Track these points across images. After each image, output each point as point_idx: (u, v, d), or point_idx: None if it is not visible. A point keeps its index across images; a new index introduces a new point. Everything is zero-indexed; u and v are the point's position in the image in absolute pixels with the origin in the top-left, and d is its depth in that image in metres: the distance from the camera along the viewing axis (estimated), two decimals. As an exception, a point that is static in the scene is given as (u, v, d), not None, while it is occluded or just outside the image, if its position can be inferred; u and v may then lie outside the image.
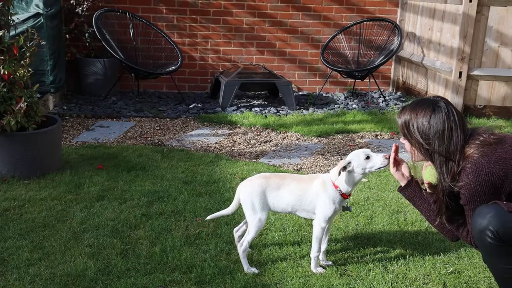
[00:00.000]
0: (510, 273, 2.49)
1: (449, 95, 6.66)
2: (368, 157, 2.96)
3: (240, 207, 3.14)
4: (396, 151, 2.90)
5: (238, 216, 3.55)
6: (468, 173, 2.48)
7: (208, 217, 3.30)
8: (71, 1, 7.07)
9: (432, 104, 2.60)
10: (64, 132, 5.72)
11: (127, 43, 7.42)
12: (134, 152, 5.09)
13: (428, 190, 2.81)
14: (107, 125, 6.11)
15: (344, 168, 2.96)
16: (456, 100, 6.58)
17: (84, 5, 7.06)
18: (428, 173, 2.72)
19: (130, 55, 7.31)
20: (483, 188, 2.46)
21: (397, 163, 2.91)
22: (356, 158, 2.97)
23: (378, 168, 2.97)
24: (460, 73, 6.51)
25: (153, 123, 6.25)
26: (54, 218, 3.67)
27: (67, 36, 7.12)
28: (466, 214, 2.58)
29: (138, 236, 3.43)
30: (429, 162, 2.68)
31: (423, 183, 2.87)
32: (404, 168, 2.91)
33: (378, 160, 2.95)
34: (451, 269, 3.14)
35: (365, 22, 7.79)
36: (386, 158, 2.92)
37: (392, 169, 2.92)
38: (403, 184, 2.92)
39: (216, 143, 5.60)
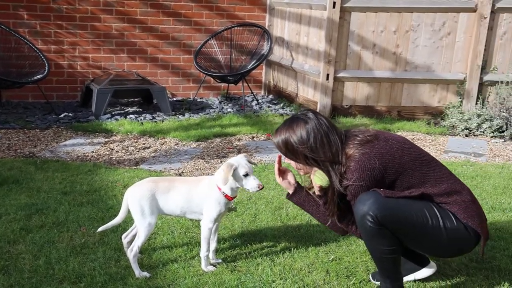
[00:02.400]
0: (386, 253, 2.70)
1: (318, 96, 7.02)
2: (246, 175, 3.00)
3: (129, 213, 3.10)
4: (279, 162, 3.00)
5: (124, 223, 3.48)
6: (353, 170, 2.66)
7: (100, 229, 3.21)
8: None
9: (302, 118, 2.76)
10: None
11: (-14, 51, 6.96)
12: (4, 166, 4.79)
13: (317, 193, 2.93)
14: (-31, 139, 5.70)
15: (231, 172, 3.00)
16: (325, 101, 6.96)
17: None
18: (318, 178, 2.83)
19: (-10, 64, 6.87)
20: (366, 183, 2.64)
21: (282, 172, 3.04)
22: (239, 167, 3.01)
23: (248, 189, 3.04)
24: (327, 75, 6.89)
25: (21, 135, 5.92)
26: None
27: None
28: (353, 208, 2.75)
29: (19, 251, 3.25)
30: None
31: (312, 188, 2.99)
32: (289, 177, 3.04)
33: (251, 185, 3.00)
34: (332, 257, 3.33)
35: (235, 28, 7.98)
36: (259, 188, 2.99)
37: (278, 179, 3.04)
38: (291, 191, 3.06)
39: (92, 152, 5.44)
